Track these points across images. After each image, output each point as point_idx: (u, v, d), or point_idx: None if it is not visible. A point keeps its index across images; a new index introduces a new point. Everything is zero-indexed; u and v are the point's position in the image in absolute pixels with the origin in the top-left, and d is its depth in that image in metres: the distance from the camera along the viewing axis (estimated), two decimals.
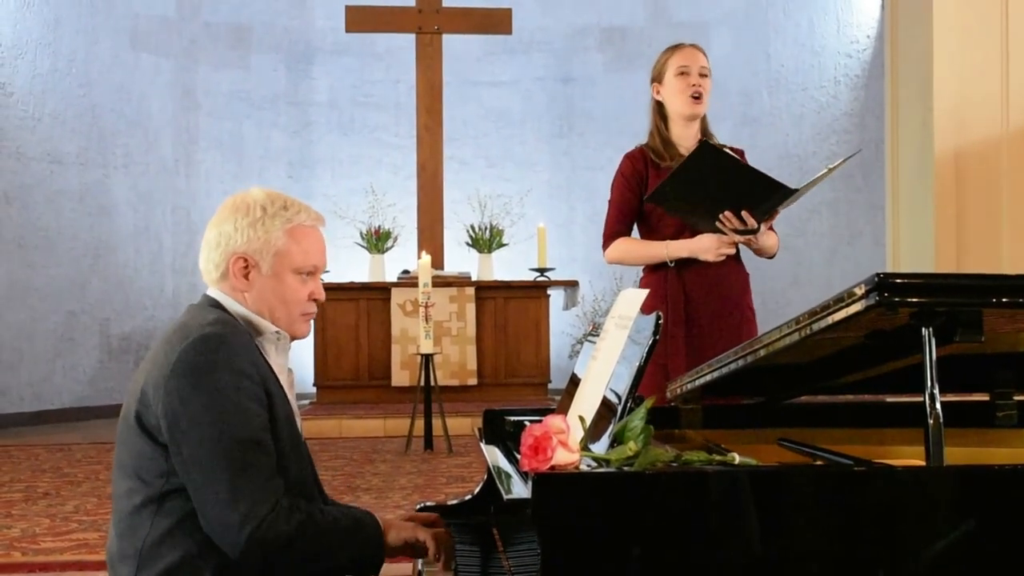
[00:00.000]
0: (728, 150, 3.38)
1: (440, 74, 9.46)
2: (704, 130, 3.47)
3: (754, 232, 3.28)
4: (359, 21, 9.39)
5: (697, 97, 3.37)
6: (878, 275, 1.45)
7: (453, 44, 9.89)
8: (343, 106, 11.11)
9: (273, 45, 10.90)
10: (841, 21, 10.07)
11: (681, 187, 3.21)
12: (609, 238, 3.49)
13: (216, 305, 1.98)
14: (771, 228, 3.43)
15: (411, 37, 9.54)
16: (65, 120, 9.47)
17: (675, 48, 3.46)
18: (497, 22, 9.44)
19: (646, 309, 1.80)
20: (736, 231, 3.27)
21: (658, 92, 3.45)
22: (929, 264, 6.46)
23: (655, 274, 3.44)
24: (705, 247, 3.33)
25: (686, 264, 3.37)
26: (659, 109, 3.47)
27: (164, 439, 1.82)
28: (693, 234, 3.37)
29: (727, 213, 3.23)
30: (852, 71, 10.01)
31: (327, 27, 10.75)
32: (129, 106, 10.02)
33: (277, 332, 2.00)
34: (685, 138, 3.43)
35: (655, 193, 3.27)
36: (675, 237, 3.39)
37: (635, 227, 3.53)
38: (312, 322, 2.10)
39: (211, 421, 1.78)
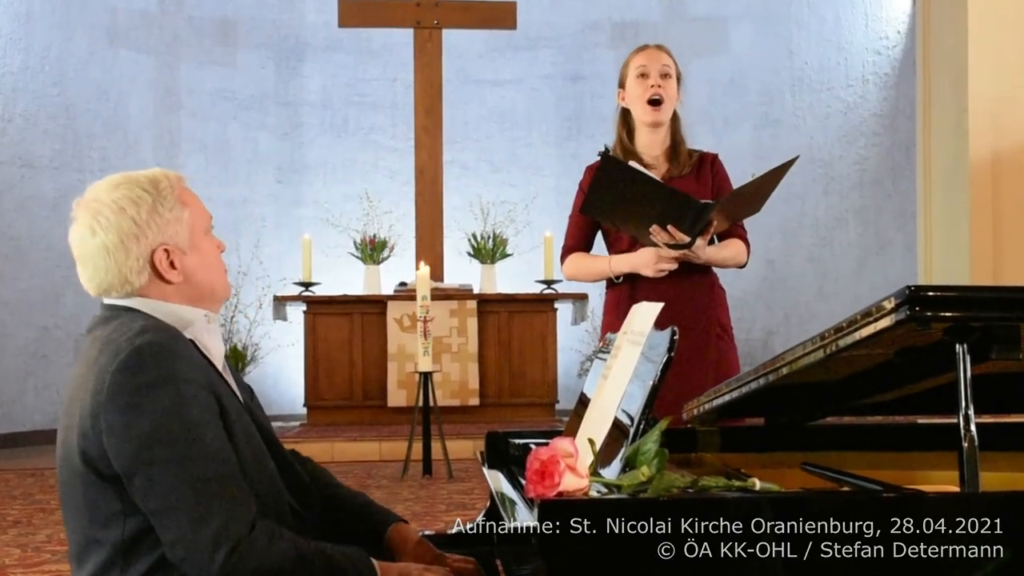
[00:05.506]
0: (697, 155, 3.42)
1: (440, 72, 9.49)
2: (674, 136, 3.45)
3: (687, 246, 3.25)
4: (353, 15, 9.43)
5: (655, 102, 3.37)
6: (909, 288, 1.45)
7: (454, 40, 9.92)
8: (336, 106, 11.14)
9: (261, 41, 10.93)
10: (869, 15, 10.09)
11: (602, 200, 3.26)
12: (564, 253, 3.56)
13: (130, 310, 1.87)
14: (742, 236, 3.42)
15: (409, 32, 9.58)
16: (38, 121, 9.50)
17: (637, 50, 3.47)
18: (501, 16, 9.47)
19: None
20: (669, 245, 3.25)
21: (623, 98, 3.47)
22: (964, 276, 6.46)
23: (611, 291, 3.47)
24: (644, 261, 3.32)
25: (638, 279, 3.37)
26: (624, 116, 3.48)
27: (111, 472, 1.73)
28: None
29: (654, 227, 3.21)
30: (881, 69, 10.03)
31: (319, 21, 10.79)
32: (106, 106, 10.06)
33: (206, 314, 1.93)
34: (651, 146, 3.44)
35: (583, 205, 3.32)
36: (630, 251, 3.39)
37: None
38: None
39: (162, 441, 1.70)
